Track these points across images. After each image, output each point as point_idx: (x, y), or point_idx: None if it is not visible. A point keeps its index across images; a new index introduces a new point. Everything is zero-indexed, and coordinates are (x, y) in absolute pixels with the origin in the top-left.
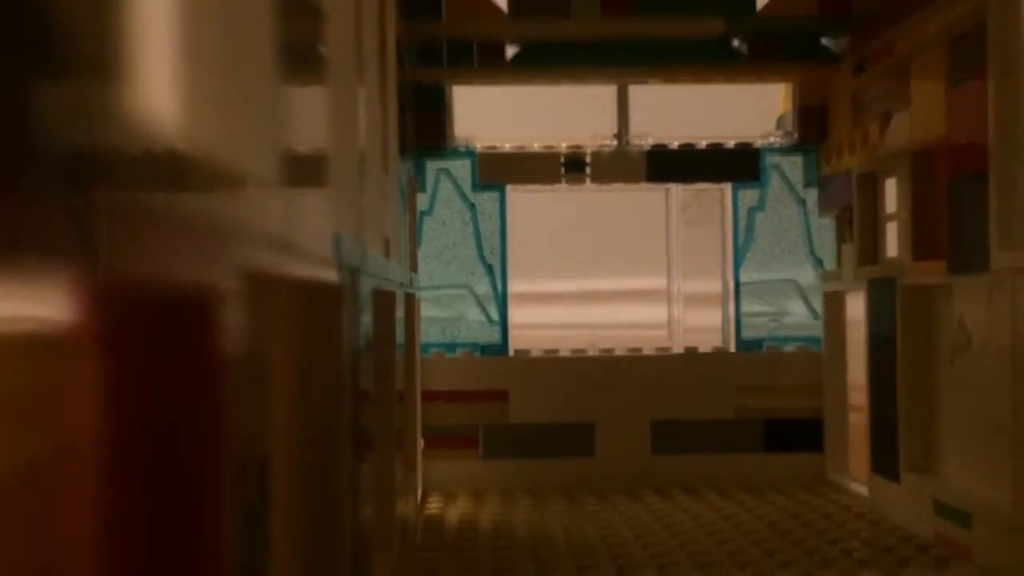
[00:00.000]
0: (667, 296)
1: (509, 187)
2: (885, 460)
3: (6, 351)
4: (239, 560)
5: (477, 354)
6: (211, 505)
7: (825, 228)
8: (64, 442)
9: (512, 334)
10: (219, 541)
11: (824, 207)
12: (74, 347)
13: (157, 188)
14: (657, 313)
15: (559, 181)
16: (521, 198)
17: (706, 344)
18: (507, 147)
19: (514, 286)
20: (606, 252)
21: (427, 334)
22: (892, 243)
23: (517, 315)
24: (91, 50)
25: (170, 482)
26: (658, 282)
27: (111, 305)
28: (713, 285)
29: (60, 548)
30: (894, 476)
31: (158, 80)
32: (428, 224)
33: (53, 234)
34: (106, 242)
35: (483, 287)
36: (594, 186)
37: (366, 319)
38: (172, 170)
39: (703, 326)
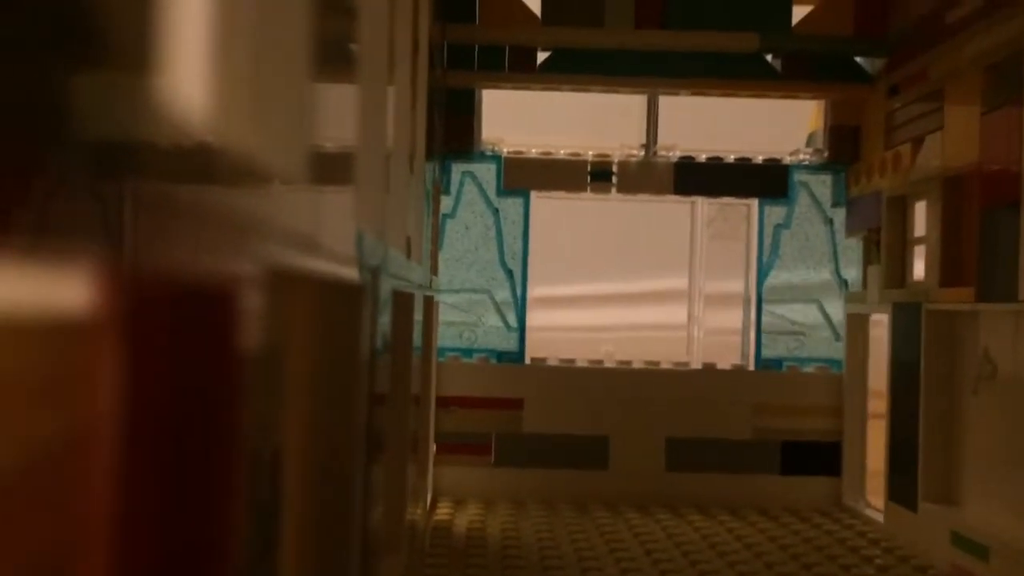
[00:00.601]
0: (688, 311)
1: (533, 193)
2: (903, 488)
3: (28, 337)
4: (249, 556)
5: (493, 360)
6: (223, 499)
7: (851, 249)
8: (82, 430)
9: (529, 337)
10: (230, 535)
11: (852, 228)
12: (95, 335)
13: (184, 180)
14: (677, 326)
15: (584, 189)
16: (545, 205)
17: (725, 360)
18: (533, 152)
19: (534, 291)
20: (629, 263)
21: (444, 338)
22: (919, 267)
23: (536, 319)
24: (124, 41)
25: (183, 475)
26: (679, 295)
27: (134, 295)
28: (735, 301)
29: (73, 535)
30: (911, 505)
31: (189, 72)
32: (451, 227)
33: (78, 222)
34: (131, 232)
35: (503, 293)
36: (619, 196)
37: (385, 320)
38: (199, 163)
39: (723, 334)
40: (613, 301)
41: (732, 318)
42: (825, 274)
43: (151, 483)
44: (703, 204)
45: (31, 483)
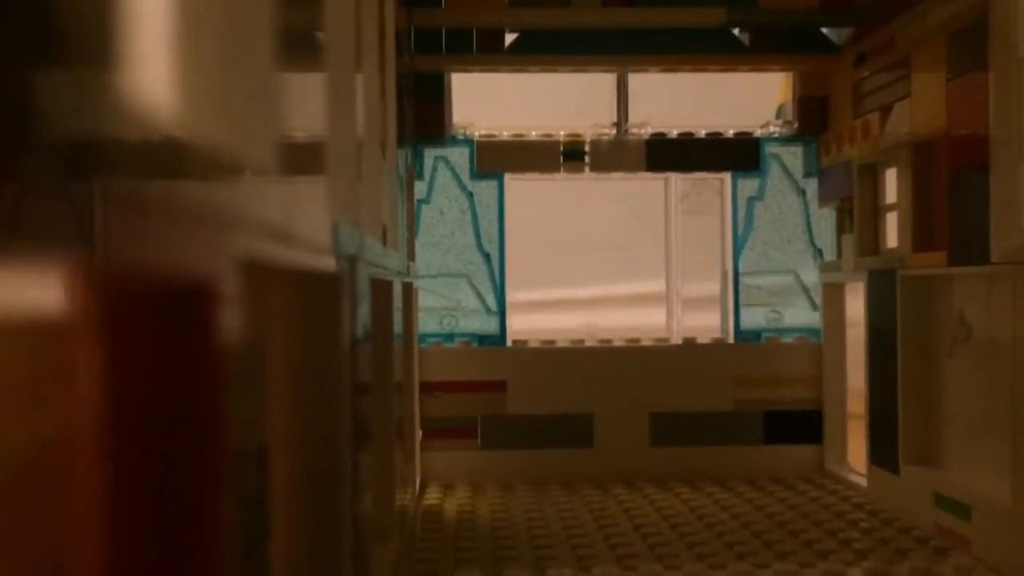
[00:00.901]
0: (666, 283)
1: (507, 175)
2: (884, 452)
3: (5, 339)
4: (239, 549)
5: (475, 344)
6: (210, 495)
7: (825, 218)
8: (61, 431)
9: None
10: (219, 530)
11: (824, 197)
12: (70, 335)
13: (154, 176)
14: (655, 302)
15: (558, 170)
16: (520, 186)
17: (704, 334)
18: (505, 135)
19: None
20: (604, 240)
21: (425, 324)
22: (892, 234)
23: (514, 317)
24: (88, 37)
25: (168, 472)
26: (656, 270)
27: (107, 293)
28: (712, 275)
29: (58, 538)
30: (893, 468)
31: (155, 67)
32: (426, 212)
33: (50, 222)
34: (103, 230)
35: (481, 276)
36: (593, 175)
37: (364, 308)
38: (169, 157)
39: (701, 316)
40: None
41: (710, 291)
42: (800, 244)
43: (136, 482)
44: (677, 180)
45: (13, 486)
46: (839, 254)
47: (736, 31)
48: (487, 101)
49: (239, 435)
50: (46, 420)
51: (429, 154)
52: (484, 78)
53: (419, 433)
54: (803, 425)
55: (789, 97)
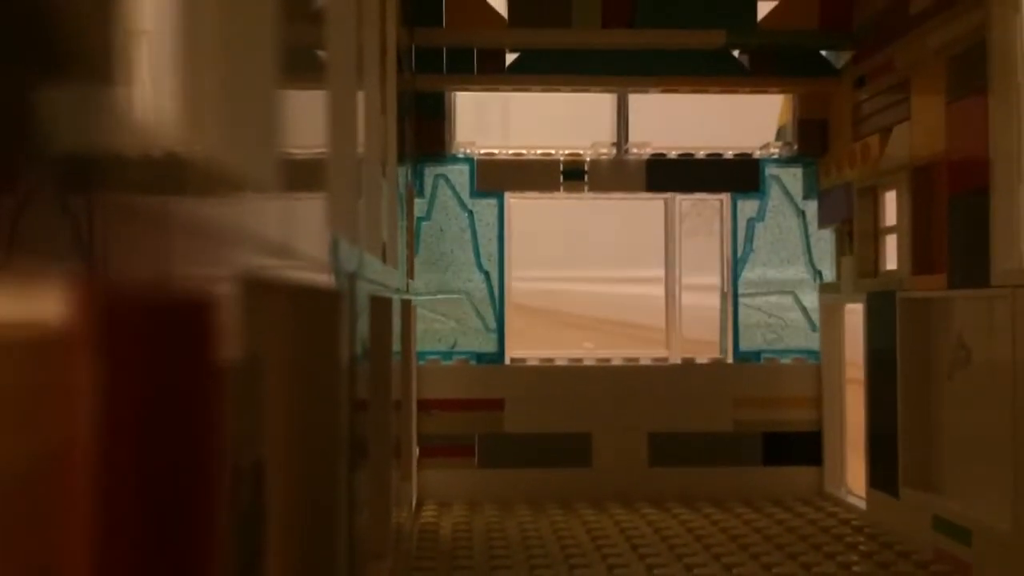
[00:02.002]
0: (666, 307)
1: (507, 194)
2: (884, 475)
3: (4, 353)
4: (235, 565)
5: (473, 362)
6: (206, 511)
7: (824, 240)
8: (58, 445)
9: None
10: (214, 547)
11: (824, 219)
12: (69, 350)
13: (155, 191)
14: (655, 312)
15: (557, 189)
16: (520, 206)
17: (704, 354)
18: (506, 154)
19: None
20: (604, 258)
21: (423, 341)
22: (891, 256)
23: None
24: (91, 52)
25: (164, 487)
26: (657, 285)
27: (106, 308)
28: (712, 298)
29: (55, 550)
30: (892, 491)
31: (158, 83)
32: (425, 229)
33: (49, 236)
34: (102, 245)
35: (480, 294)
36: (592, 195)
37: (363, 325)
38: (170, 173)
39: (702, 331)
40: (591, 282)
41: (710, 314)
42: (799, 266)
43: (131, 496)
44: (678, 200)
45: (9, 498)
46: (838, 276)
47: (736, 53)
48: (488, 119)
49: (236, 450)
50: (43, 432)
51: (429, 172)
52: (485, 97)
53: (416, 451)
54: (802, 447)
55: (789, 119)
